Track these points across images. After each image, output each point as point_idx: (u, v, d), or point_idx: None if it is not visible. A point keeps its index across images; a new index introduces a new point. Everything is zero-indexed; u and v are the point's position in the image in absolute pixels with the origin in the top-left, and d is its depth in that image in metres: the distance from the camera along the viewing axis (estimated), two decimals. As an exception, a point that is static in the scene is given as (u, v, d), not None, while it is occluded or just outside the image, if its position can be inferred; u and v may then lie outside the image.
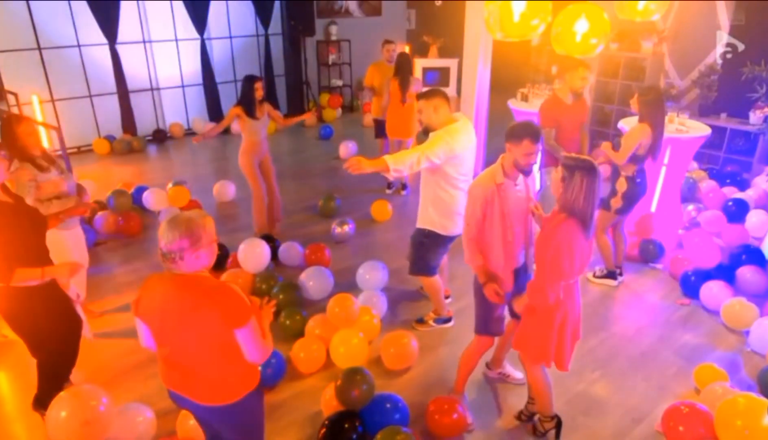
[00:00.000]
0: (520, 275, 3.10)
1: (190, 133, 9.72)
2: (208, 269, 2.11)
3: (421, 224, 3.84)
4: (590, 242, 2.68)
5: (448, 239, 3.82)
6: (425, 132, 3.68)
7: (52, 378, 3.18)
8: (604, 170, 7.12)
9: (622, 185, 4.40)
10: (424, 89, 3.80)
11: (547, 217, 2.76)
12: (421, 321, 4.23)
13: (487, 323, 3.14)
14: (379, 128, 6.97)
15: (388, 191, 6.92)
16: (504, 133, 2.85)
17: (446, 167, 3.52)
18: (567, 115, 4.64)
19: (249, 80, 5.04)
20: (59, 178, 3.60)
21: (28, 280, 2.82)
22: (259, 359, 2.13)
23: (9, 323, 3.01)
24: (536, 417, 3.16)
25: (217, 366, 2.10)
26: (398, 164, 3.40)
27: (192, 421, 2.81)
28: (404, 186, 6.91)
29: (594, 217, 2.57)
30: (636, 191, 4.38)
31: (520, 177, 2.93)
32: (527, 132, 2.77)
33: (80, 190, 3.86)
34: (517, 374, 3.59)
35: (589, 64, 4.64)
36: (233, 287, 2.06)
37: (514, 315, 3.23)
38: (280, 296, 4.23)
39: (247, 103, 5.04)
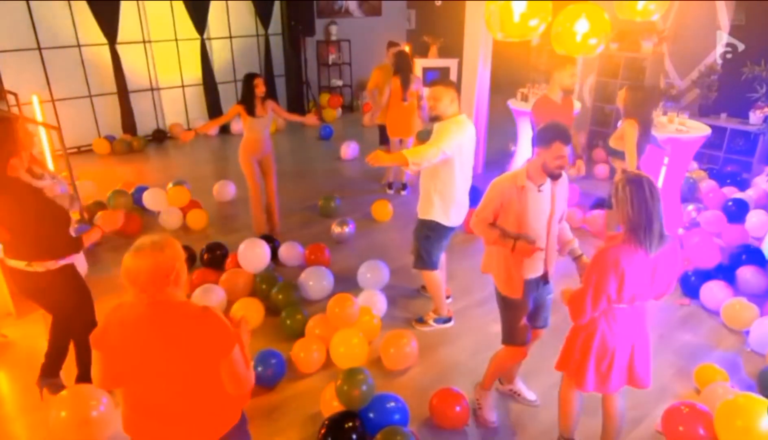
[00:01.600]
0: (540, 287, 3.02)
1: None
2: (184, 291, 1.99)
3: (423, 215, 3.85)
4: (656, 264, 2.43)
5: (450, 230, 3.85)
6: (432, 120, 3.69)
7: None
8: (603, 170, 7.16)
9: None
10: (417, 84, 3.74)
11: (609, 236, 2.57)
12: (421, 321, 4.23)
13: (512, 333, 3.05)
14: (384, 134, 6.77)
15: (389, 191, 6.91)
16: (533, 138, 2.81)
17: (456, 157, 3.55)
18: (559, 114, 4.59)
19: (248, 78, 5.06)
20: (52, 183, 3.60)
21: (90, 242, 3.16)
22: (241, 391, 1.94)
23: (46, 305, 3.25)
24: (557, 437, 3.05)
25: (198, 402, 1.91)
26: (417, 158, 3.41)
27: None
28: (404, 186, 6.90)
29: (652, 230, 2.35)
30: None
31: (547, 183, 2.80)
32: (557, 134, 2.67)
33: (71, 199, 3.84)
34: (529, 395, 3.45)
35: (575, 61, 4.64)
36: (216, 311, 1.90)
37: (532, 326, 3.16)
38: (280, 296, 4.24)
39: (248, 101, 5.06)
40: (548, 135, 2.68)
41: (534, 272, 2.94)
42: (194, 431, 1.94)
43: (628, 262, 2.38)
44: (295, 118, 5.77)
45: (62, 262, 3.06)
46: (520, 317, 3.01)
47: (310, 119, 5.77)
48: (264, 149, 5.28)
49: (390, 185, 6.94)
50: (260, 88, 5.02)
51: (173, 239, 1.93)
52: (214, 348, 1.85)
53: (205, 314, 1.87)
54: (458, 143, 3.50)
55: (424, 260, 3.96)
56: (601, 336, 2.55)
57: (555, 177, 2.78)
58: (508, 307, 3.01)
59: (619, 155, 4.33)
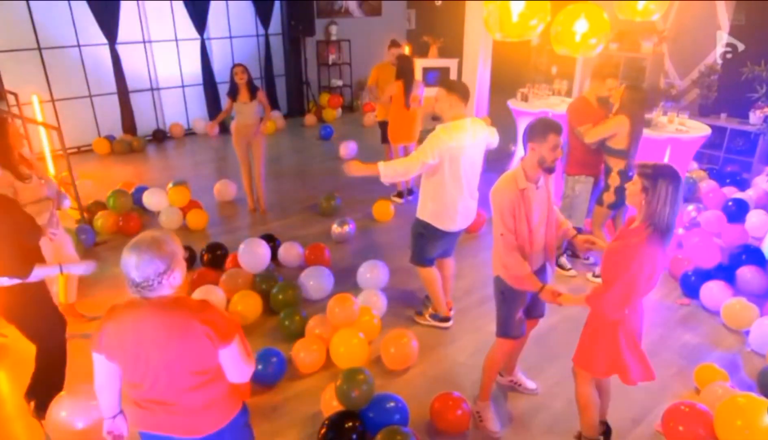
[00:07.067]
0: (538, 277, 3.01)
1: (190, 133, 9.72)
2: (180, 288, 1.99)
3: (420, 215, 3.87)
4: (666, 254, 2.50)
5: (446, 234, 3.83)
6: (435, 119, 3.69)
7: (52, 383, 3.17)
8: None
9: (614, 180, 4.42)
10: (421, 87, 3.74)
11: (628, 230, 2.53)
12: (420, 314, 4.26)
13: (507, 326, 3.06)
14: (385, 132, 6.58)
15: (400, 200, 6.63)
16: (524, 135, 2.79)
17: (444, 164, 3.55)
18: (594, 119, 4.52)
19: (231, 69, 5.81)
20: (38, 184, 3.57)
21: (46, 275, 2.97)
22: (244, 378, 2.03)
23: (10, 322, 3.06)
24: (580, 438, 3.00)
25: (203, 392, 1.96)
26: (390, 172, 3.45)
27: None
28: (411, 191, 6.66)
29: (673, 230, 2.41)
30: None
31: (541, 179, 2.84)
32: (550, 127, 2.70)
33: (59, 195, 3.80)
34: (529, 384, 3.50)
35: (616, 75, 4.57)
36: (213, 304, 1.96)
37: (529, 317, 3.17)
38: (280, 297, 4.24)
39: (231, 89, 5.81)
40: (542, 128, 2.71)
41: (535, 265, 2.96)
42: (202, 418, 1.99)
43: (658, 254, 2.40)
44: (267, 115, 6.07)
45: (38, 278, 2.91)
46: (518, 309, 3.03)
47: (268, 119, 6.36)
48: (251, 133, 5.91)
49: (400, 194, 6.68)
50: (240, 76, 5.66)
51: (171, 239, 1.92)
52: (217, 337, 1.88)
53: (205, 306, 1.92)
54: (440, 149, 3.46)
55: (417, 255, 3.98)
56: (636, 327, 2.62)
57: (551, 171, 2.79)
58: (507, 300, 3.02)
59: (615, 153, 4.34)
